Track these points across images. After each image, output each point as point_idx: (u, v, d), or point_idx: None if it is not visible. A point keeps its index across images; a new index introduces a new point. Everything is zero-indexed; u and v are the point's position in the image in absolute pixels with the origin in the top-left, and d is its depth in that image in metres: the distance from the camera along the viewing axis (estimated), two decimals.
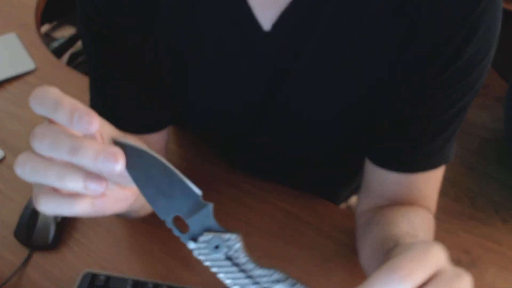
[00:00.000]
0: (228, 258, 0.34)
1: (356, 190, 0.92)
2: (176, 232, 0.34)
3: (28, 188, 0.74)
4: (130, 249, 0.68)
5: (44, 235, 0.67)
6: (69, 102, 0.33)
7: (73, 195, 0.34)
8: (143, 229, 0.70)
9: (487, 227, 1.61)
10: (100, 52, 0.58)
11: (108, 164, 0.32)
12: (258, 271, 0.33)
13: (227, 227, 0.34)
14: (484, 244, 1.60)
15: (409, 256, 0.33)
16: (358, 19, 0.50)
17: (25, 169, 0.33)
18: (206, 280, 0.65)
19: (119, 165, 0.32)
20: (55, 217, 0.68)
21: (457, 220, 1.64)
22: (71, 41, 1.48)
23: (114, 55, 0.58)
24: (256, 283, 0.33)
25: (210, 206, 0.34)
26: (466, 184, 1.77)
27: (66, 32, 1.51)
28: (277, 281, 0.33)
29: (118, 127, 0.39)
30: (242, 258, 0.34)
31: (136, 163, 0.33)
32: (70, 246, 0.68)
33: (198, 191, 0.34)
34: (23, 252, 0.67)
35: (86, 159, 0.32)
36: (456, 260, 1.33)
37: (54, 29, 1.53)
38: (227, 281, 0.34)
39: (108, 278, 0.63)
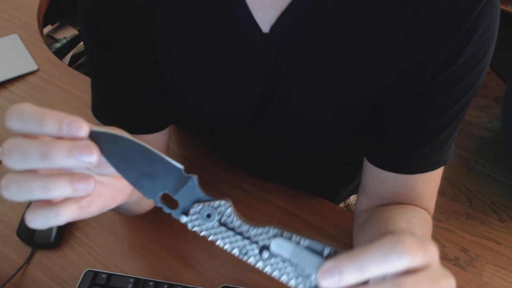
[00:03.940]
0: (223, 224, 0.34)
1: (355, 189, 0.92)
2: (166, 210, 0.34)
3: None
4: (132, 248, 0.69)
5: (46, 234, 0.68)
6: (53, 112, 0.31)
7: (57, 203, 0.33)
8: (144, 228, 0.71)
9: (485, 226, 1.62)
10: (101, 53, 0.59)
11: (84, 157, 0.31)
12: (254, 231, 0.34)
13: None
14: (482, 243, 1.61)
15: (412, 237, 0.32)
16: (356, 20, 0.50)
17: (11, 191, 0.32)
18: (206, 279, 0.66)
19: (94, 156, 0.31)
20: None
21: (455, 219, 1.64)
22: (73, 42, 1.48)
23: (115, 55, 0.58)
24: (254, 242, 0.33)
25: (194, 178, 0.34)
26: (464, 183, 1.77)
27: (68, 33, 1.51)
28: (274, 236, 0.33)
29: (119, 127, 0.39)
30: (236, 221, 0.34)
31: (113, 150, 0.33)
32: (72, 245, 0.69)
33: (179, 165, 0.34)
34: (26, 251, 0.68)
35: (60, 160, 0.30)
36: (454, 259, 1.34)
37: (56, 30, 1.53)
38: (226, 247, 0.34)
39: (109, 277, 0.64)
